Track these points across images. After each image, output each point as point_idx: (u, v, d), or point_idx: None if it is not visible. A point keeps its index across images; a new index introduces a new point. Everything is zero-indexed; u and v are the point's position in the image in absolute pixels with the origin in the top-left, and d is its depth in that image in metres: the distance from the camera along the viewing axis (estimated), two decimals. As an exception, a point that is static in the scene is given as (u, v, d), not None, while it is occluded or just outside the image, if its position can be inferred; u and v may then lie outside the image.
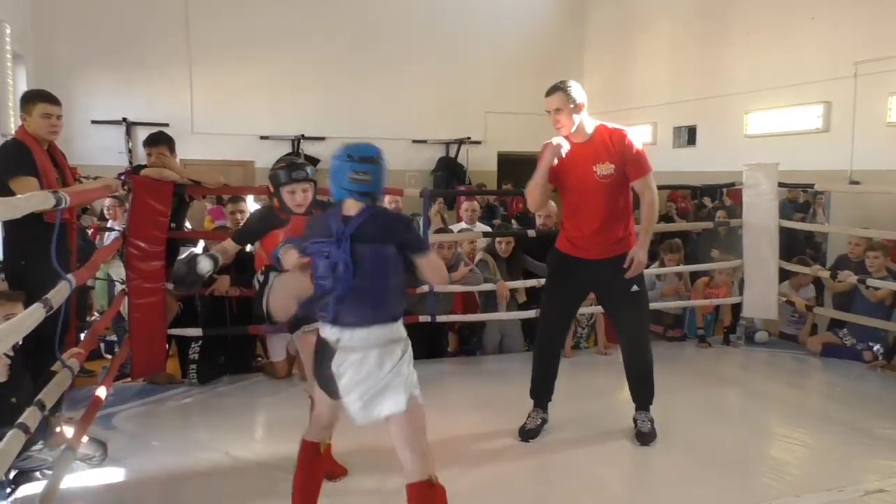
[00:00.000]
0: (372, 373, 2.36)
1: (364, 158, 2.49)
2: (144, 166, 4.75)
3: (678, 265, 6.03)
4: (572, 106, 3.48)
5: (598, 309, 5.61)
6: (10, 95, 8.24)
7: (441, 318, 5.26)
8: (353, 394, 2.38)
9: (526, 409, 4.03)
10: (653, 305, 5.99)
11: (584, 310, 5.56)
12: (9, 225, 3.63)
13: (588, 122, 3.57)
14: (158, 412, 4.22)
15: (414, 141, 11.50)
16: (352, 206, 2.48)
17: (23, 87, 8.97)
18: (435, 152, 11.72)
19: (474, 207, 6.37)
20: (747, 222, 5.95)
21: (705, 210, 8.59)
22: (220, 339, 4.78)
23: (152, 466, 3.46)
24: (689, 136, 10.17)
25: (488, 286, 5.39)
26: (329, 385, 2.45)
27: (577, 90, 3.50)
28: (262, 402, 4.45)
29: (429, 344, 5.55)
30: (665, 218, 9.84)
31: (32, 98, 3.79)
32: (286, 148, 10.87)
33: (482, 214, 7.16)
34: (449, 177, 11.38)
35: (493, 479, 3.36)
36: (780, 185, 5.90)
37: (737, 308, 6.00)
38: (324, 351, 2.45)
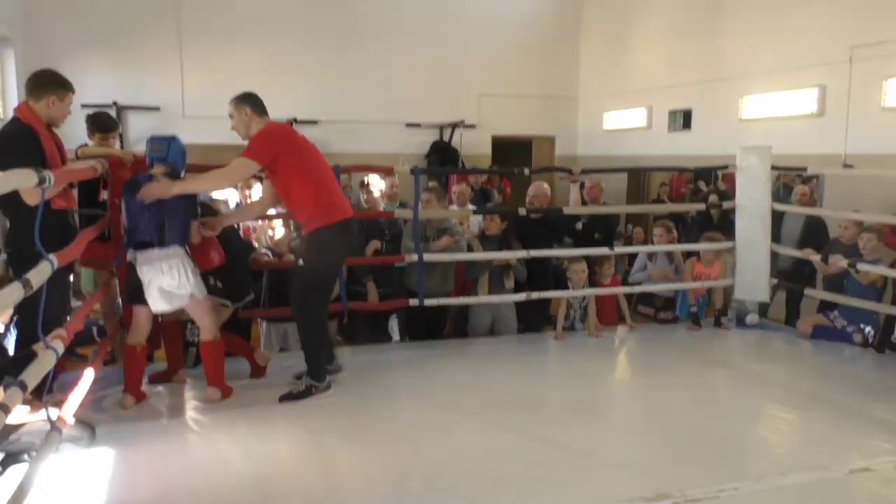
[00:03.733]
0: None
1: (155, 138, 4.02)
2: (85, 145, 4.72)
3: (669, 244, 6.05)
4: (238, 113, 4.03)
5: (591, 291, 5.62)
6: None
7: (429, 302, 5.22)
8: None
9: (513, 392, 4.20)
10: (643, 288, 6.06)
11: (576, 292, 5.57)
12: (13, 212, 3.52)
13: (259, 125, 4.03)
14: (148, 394, 4.19)
15: (407, 124, 11.45)
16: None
17: (10, 71, 8.90)
18: (429, 136, 11.66)
19: (463, 190, 6.32)
20: (740, 205, 5.94)
21: (700, 195, 8.57)
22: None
23: (140, 449, 3.45)
24: (684, 119, 10.13)
25: (471, 256, 5.38)
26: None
27: (243, 101, 4.03)
28: (247, 384, 4.40)
29: (428, 327, 5.53)
30: (656, 202, 9.87)
31: (66, 86, 3.70)
32: (279, 132, 10.81)
33: (474, 198, 7.11)
34: (443, 161, 11.33)
35: (480, 457, 3.36)
36: (773, 167, 5.90)
37: (729, 291, 6.01)
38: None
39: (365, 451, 3.46)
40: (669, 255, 6.16)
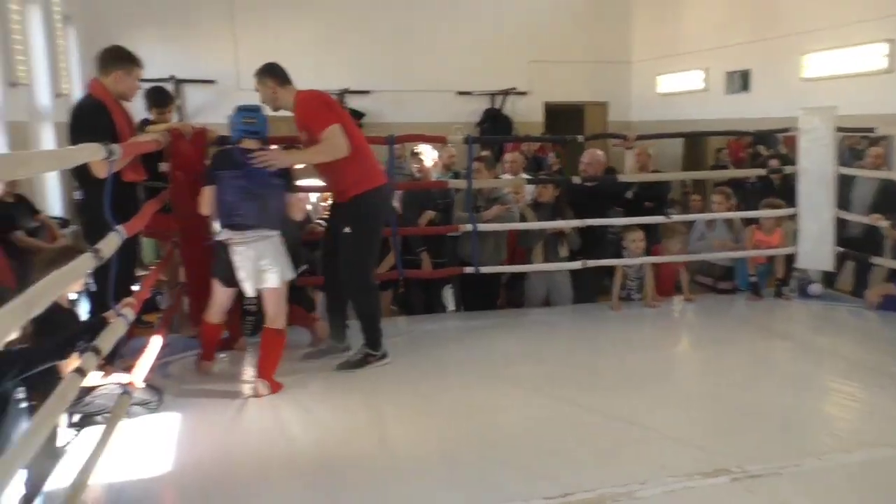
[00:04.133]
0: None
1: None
2: (149, 121, 4.80)
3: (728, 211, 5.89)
4: (263, 86, 4.01)
5: (646, 259, 5.53)
6: (61, 56, 8.40)
7: (485, 269, 5.22)
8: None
9: (567, 362, 4.17)
10: (702, 256, 5.92)
11: (631, 261, 5.48)
12: (87, 185, 3.66)
13: (287, 95, 4.01)
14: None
15: (459, 93, 11.36)
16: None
17: (73, 48, 9.14)
18: (480, 104, 11.57)
19: (515, 159, 6.26)
20: (803, 169, 5.72)
21: (760, 159, 8.30)
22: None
23: (205, 413, 3.58)
24: (742, 81, 9.78)
25: (523, 225, 5.34)
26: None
27: (265, 74, 4.00)
28: (307, 353, 4.49)
29: (482, 296, 5.54)
30: (716, 167, 9.61)
31: (135, 61, 3.82)
32: (331, 102, 10.87)
33: (526, 167, 7.04)
34: (495, 129, 11.24)
35: (535, 428, 3.38)
36: (839, 129, 5.64)
37: (791, 260, 5.82)
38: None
39: (419, 419, 3.52)
40: (728, 223, 6.00)
